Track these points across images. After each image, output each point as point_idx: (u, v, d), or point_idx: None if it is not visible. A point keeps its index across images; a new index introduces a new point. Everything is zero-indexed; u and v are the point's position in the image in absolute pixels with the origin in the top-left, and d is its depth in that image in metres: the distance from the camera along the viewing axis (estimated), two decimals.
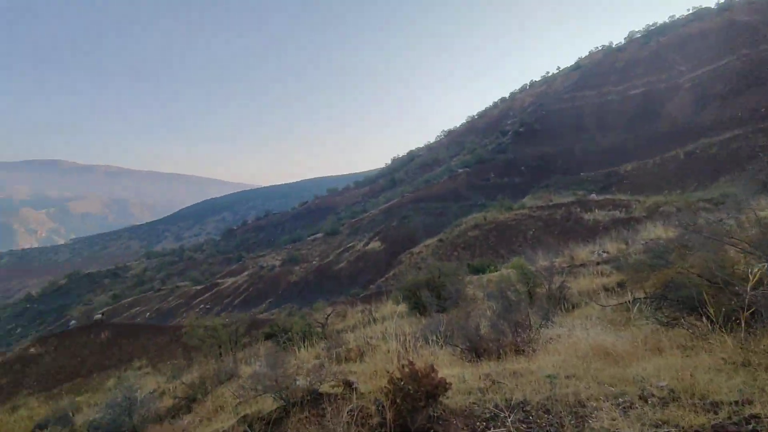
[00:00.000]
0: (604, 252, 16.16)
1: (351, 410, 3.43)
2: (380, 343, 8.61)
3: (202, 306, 67.05)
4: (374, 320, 13.75)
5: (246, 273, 73.40)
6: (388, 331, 10.18)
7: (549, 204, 54.46)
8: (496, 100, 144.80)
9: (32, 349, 21.75)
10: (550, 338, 5.15)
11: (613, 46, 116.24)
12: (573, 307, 8.91)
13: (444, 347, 5.96)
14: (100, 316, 74.61)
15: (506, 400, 3.75)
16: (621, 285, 9.17)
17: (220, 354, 14.82)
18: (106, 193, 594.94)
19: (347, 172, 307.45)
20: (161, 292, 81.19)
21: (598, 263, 14.65)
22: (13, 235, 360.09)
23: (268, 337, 13.91)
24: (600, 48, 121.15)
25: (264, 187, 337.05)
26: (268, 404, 4.43)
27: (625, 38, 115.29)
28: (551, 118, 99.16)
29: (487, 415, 3.58)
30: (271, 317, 24.11)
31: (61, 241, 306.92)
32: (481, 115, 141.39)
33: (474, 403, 3.74)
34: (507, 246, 44.59)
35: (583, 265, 14.78)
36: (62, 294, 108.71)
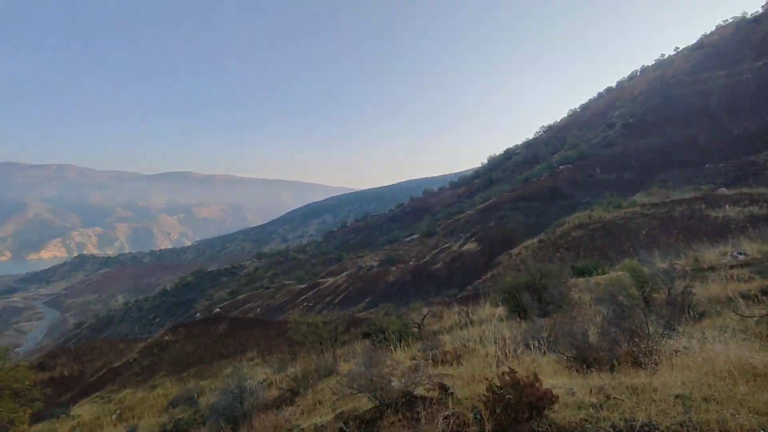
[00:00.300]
0: (739, 254, 14.01)
1: (446, 417, 3.28)
2: (477, 346, 8.32)
3: (305, 303, 71.14)
4: (471, 322, 13.39)
5: (345, 273, 76.37)
6: (486, 335, 9.84)
7: (666, 201, 49.03)
8: (601, 91, 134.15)
9: (166, 337, 24.89)
10: (675, 351, 4.44)
11: (748, 16, 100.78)
12: (700, 317, 7.79)
13: (547, 354, 5.52)
14: (218, 310, 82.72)
15: (625, 420, 3.27)
16: (766, 293, 7.81)
17: (321, 350, 15.52)
18: (223, 199, 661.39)
19: (443, 173, 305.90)
20: (270, 289, 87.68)
21: (731, 266, 12.74)
22: (152, 238, 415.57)
23: (366, 335, 14.22)
24: (730, 20, 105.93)
25: (362, 190, 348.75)
26: (363, 403, 4.44)
27: (763, 6, 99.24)
28: (667, 106, 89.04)
29: None
30: (369, 316, 24.74)
31: (188, 243, 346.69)
32: (585, 107, 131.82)
33: (586, 421, 3.31)
34: (616, 247, 40.88)
35: (711, 268, 12.95)
36: (190, 289, 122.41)
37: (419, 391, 4.29)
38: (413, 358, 8.39)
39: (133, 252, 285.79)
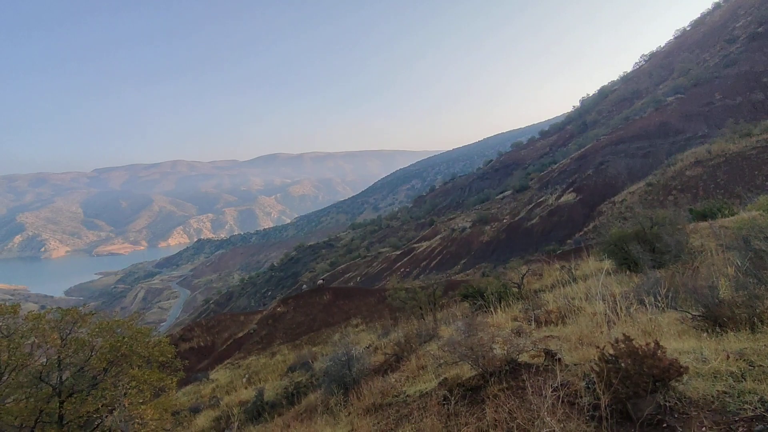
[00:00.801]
0: None
1: (555, 387, 3.05)
2: (584, 304, 7.81)
3: (402, 270, 72.81)
4: (574, 279, 12.65)
5: (438, 236, 76.47)
6: (592, 291, 9.21)
7: None
8: (717, 1, 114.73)
9: (278, 308, 27.21)
10: None
11: None
12: None
13: (666, 312, 4.92)
14: (321, 281, 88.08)
15: None
16: None
17: (421, 314, 15.80)
18: (314, 175, 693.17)
19: (532, 123, 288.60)
20: (367, 258, 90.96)
21: None
22: (255, 218, 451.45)
23: (464, 298, 14.13)
24: None
25: (448, 151, 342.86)
26: (466, 370, 4.34)
27: None
28: None
29: (750, 414, 2.59)
30: (466, 278, 24.61)
31: (288, 220, 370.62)
32: (696, 24, 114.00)
33: (725, 393, 2.83)
34: (745, 183, 35.73)
35: None
36: (294, 263, 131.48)
37: (523, 357, 4.08)
38: (515, 320, 8.12)
39: (242, 233, 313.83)
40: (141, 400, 5.60)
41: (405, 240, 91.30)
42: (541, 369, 3.68)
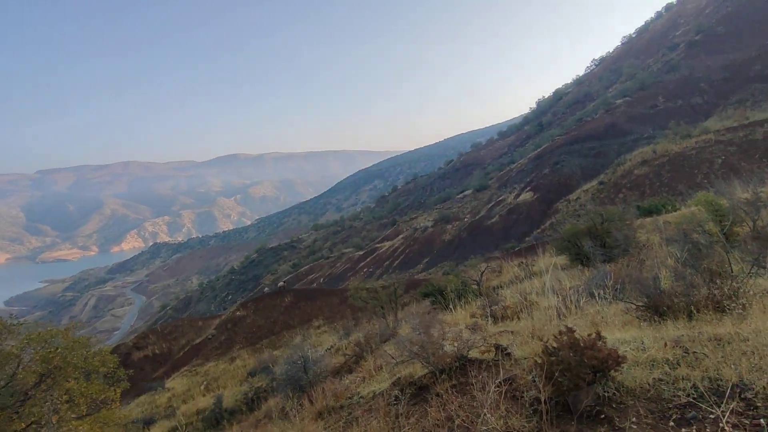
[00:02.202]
0: None
1: (499, 383, 3.02)
2: (538, 299, 7.98)
3: (365, 270, 72.74)
4: (531, 275, 12.97)
5: (401, 236, 76.87)
6: (547, 286, 9.43)
7: (745, 123, 44.47)
8: (659, 10, 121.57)
9: (237, 312, 26.49)
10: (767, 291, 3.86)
11: None
12: None
13: (614, 303, 5.07)
14: (282, 283, 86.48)
15: (710, 379, 2.79)
16: None
17: (383, 314, 15.76)
18: (275, 176, 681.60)
19: (490, 124, 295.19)
20: (330, 259, 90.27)
21: None
22: (214, 221, 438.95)
23: (425, 296, 14.20)
24: None
25: (410, 151, 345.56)
26: (418, 369, 4.29)
27: None
28: (741, 15, 79.42)
29: (683, 400, 2.66)
30: (428, 277, 24.79)
31: (248, 222, 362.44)
32: (641, 31, 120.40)
33: (661, 381, 2.90)
34: (686, 181, 37.91)
35: None
36: (255, 265, 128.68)
37: (473, 353, 4.06)
38: (472, 316, 8.20)
39: (200, 236, 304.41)
40: (75, 415, 5.22)
41: (368, 240, 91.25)
42: (491, 364, 3.67)
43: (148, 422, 15.87)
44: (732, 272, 3.96)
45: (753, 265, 3.98)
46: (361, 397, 4.62)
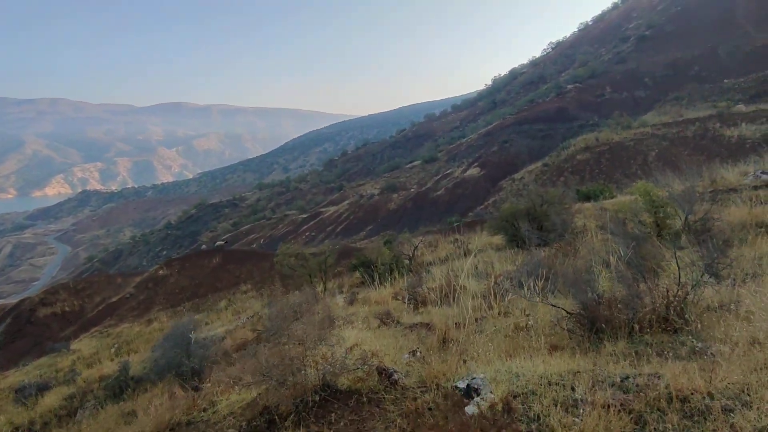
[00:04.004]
0: (762, 173, 12.77)
1: None
2: (467, 283, 7.45)
3: (307, 233, 71.49)
4: (466, 252, 12.57)
5: (347, 202, 75.86)
6: (480, 267, 8.94)
7: (678, 120, 46.82)
8: (616, 1, 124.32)
9: (161, 271, 24.72)
10: (721, 305, 3.34)
11: None
12: (719, 247, 6.76)
13: (544, 301, 4.47)
14: (222, 242, 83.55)
15: None
16: None
17: (311, 282, 14.94)
18: (222, 129, 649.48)
19: (446, 97, 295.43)
20: (272, 220, 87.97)
21: (755, 187, 11.60)
22: (153, 171, 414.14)
23: (355, 267, 13.51)
24: None
25: (363, 116, 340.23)
26: (271, 393, 3.29)
27: None
28: (689, 15, 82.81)
29: None
30: (365, 245, 24.19)
31: (190, 176, 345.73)
32: (597, 20, 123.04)
33: None
34: (623, 170, 39.54)
35: (732, 190, 11.81)
36: (193, 221, 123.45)
37: (345, 381, 3.24)
38: (396, 297, 7.58)
39: (136, 186, 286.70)
40: None
41: (313, 203, 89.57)
42: (364, 400, 2.80)
43: (42, 388, 14.32)
44: (679, 277, 3.42)
45: (704, 273, 3.46)
46: (215, 411, 3.73)
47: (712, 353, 2.64)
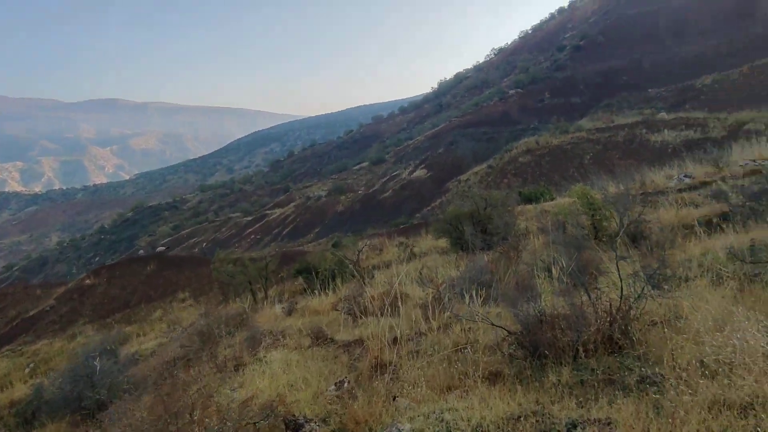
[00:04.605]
0: (685, 176, 13.56)
1: None
2: (411, 287, 7.20)
3: (252, 236, 69.35)
4: (411, 256, 12.39)
5: (293, 204, 74.29)
6: (424, 272, 8.71)
7: (610, 125, 49.63)
8: (553, 11, 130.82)
9: (87, 280, 22.73)
10: (663, 321, 3.21)
11: None
12: (651, 249, 6.94)
13: (484, 320, 4.18)
14: (163, 248, 79.19)
15: None
16: (725, 218, 7.05)
17: (251, 290, 14.22)
18: (162, 128, 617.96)
19: (392, 99, 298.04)
20: (215, 223, 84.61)
21: (679, 190, 12.24)
22: (85, 172, 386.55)
23: (298, 273, 12.96)
24: None
25: (311, 117, 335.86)
26: None
27: None
28: (618, 28, 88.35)
29: None
30: (308, 250, 23.55)
31: (126, 177, 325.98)
32: (536, 29, 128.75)
33: None
34: (561, 172, 41.32)
35: (660, 192, 12.41)
36: (130, 225, 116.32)
37: None
38: (335, 307, 7.19)
39: (65, 188, 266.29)
40: None
41: (258, 206, 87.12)
42: None
43: None
44: (621, 291, 3.28)
45: (645, 284, 3.34)
46: None
47: (662, 383, 2.48)
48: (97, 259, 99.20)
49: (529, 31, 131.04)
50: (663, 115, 49.58)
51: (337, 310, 6.75)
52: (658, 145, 41.26)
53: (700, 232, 6.49)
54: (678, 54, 73.09)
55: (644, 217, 8.54)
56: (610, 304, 3.21)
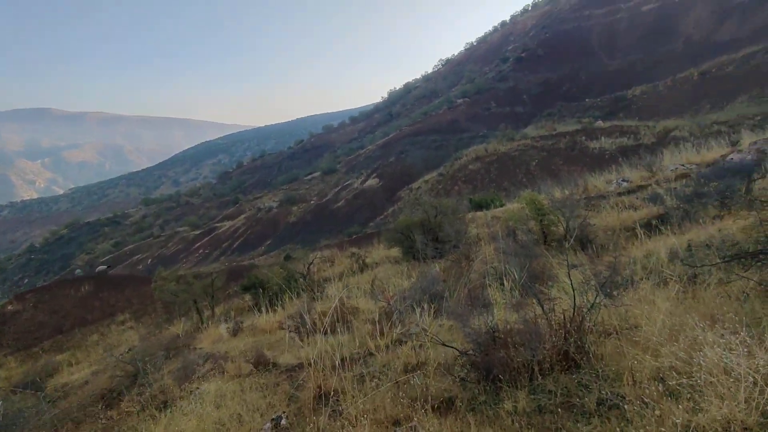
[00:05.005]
0: (623, 181, 14.21)
1: None
2: (361, 303, 6.93)
3: (201, 251, 66.61)
4: (363, 267, 12.14)
5: (243, 216, 72.11)
6: (376, 283, 8.48)
7: (553, 133, 51.83)
8: (496, 25, 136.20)
9: (9, 306, 20.60)
10: (617, 330, 3.11)
11: None
12: (597, 252, 7.10)
13: (434, 340, 3.94)
14: (104, 267, 74.39)
15: None
16: (663, 220, 7.33)
17: (197, 309, 13.43)
18: (101, 140, 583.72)
19: (343, 108, 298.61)
20: (160, 238, 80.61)
21: (619, 194, 12.77)
22: (11, 187, 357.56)
23: (245, 290, 12.36)
24: None
25: (260, 127, 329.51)
26: None
27: None
28: (555, 42, 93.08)
29: None
30: (259, 263, 22.74)
31: (61, 191, 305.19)
32: (481, 41, 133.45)
33: None
34: (510, 178, 42.64)
35: (601, 196, 12.89)
36: (65, 243, 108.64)
37: None
38: (281, 326, 6.80)
39: None
40: None
41: (206, 219, 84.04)
42: None
43: None
44: (575, 302, 3.16)
45: (598, 293, 3.24)
46: None
47: (623, 405, 2.35)
48: (26, 281, 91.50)
49: (474, 43, 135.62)
50: (599, 123, 52.47)
51: (284, 328, 6.37)
52: (596, 152, 43.45)
53: (641, 235, 6.68)
54: (610, 66, 78.07)
55: (589, 220, 8.78)
56: (564, 316, 3.09)
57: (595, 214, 9.99)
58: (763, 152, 10.66)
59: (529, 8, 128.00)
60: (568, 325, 2.98)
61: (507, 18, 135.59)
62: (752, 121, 34.09)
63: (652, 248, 5.42)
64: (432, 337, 3.47)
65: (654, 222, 6.97)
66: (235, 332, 7.65)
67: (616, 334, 2.98)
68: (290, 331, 5.79)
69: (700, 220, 6.27)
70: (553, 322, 3.08)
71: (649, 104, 60.06)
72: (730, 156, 10.67)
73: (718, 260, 3.49)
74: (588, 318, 3.04)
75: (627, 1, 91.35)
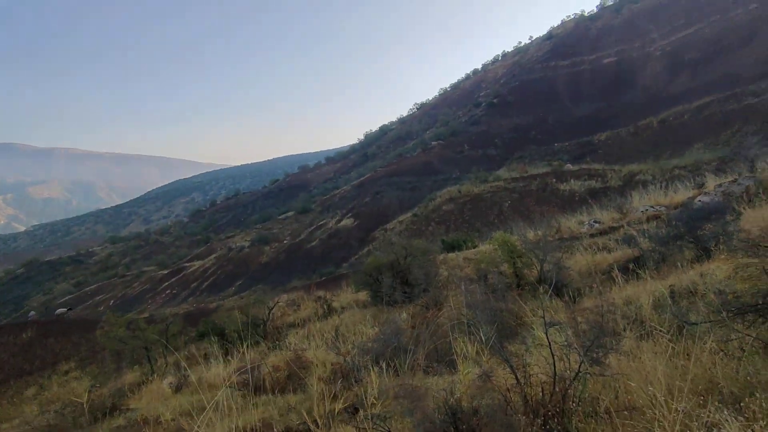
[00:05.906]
0: (595, 222, 14.16)
1: None
2: (321, 354, 6.26)
3: (168, 291, 63.90)
4: (331, 310, 11.43)
5: (214, 255, 70.08)
6: (341, 330, 7.85)
7: (524, 175, 53.03)
8: (468, 72, 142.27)
9: None
10: (606, 411, 2.62)
11: (586, 14, 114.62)
12: (574, 297, 6.72)
13: (384, 426, 3.38)
14: (64, 309, 70.04)
15: None
16: (638, 262, 7.05)
17: (149, 357, 12.33)
18: (69, 176, 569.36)
19: (319, 149, 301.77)
20: (126, 278, 77.19)
21: (591, 235, 12.64)
22: None
23: (201, 336, 11.43)
24: (572, 16, 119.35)
25: (235, 166, 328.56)
26: None
27: (597, 6, 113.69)
28: (524, 89, 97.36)
29: None
30: (225, 304, 21.59)
31: (22, 228, 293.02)
32: (454, 87, 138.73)
33: None
34: (483, 219, 42.93)
35: (574, 238, 12.73)
36: (20, 283, 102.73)
37: None
38: (230, 384, 6.05)
39: None
40: None
41: (176, 258, 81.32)
42: None
43: None
44: (555, 372, 2.67)
45: (583, 361, 2.73)
46: None
47: None
48: None
49: (448, 89, 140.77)
50: (569, 166, 54.05)
51: (231, 386, 5.64)
52: (566, 193, 44.40)
53: (619, 279, 6.36)
54: (576, 113, 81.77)
55: (564, 263, 8.44)
56: (542, 389, 2.58)
57: (569, 256, 9.71)
58: (728, 194, 10.74)
59: (499, 58, 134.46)
60: (548, 404, 2.46)
61: (479, 66, 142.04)
62: (709, 166, 35.60)
63: (632, 294, 5.06)
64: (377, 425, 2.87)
65: (630, 265, 6.70)
66: (178, 388, 6.81)
67: (608, 416, 2.47)
68: (236, 389, 5.09)
69: (678, 264, 6.03)
70: (529, 398, 2.56)
71: (614, 149, 62.58)
72: (699, 198, 10.71)
73: (716, 312, 3.10)
74: (572, 392, 2.54)
75: (589, 53, 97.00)
